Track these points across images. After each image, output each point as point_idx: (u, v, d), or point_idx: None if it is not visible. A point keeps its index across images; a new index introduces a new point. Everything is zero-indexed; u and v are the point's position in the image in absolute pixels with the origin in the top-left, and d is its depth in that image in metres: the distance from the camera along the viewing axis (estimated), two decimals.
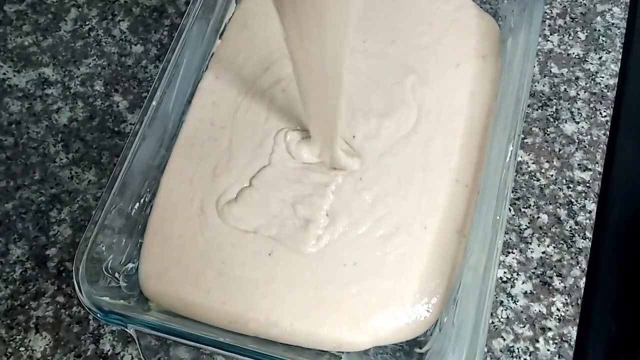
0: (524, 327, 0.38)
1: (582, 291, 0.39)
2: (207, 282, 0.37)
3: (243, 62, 0.44)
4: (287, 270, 0.37)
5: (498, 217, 0.34)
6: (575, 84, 0.45)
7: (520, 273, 0.40)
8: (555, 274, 0.40)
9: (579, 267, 0.40)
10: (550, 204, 0.41)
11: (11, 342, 0.40)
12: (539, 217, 0.41)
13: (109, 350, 0.40)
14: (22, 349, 0.40)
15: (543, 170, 0.43)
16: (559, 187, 0.42)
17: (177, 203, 0.39)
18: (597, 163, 0.43)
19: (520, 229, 0.41)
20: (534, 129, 0.44)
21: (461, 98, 0.41)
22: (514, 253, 0.40)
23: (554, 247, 0.40)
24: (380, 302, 0.35)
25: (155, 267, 0.37)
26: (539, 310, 0.39)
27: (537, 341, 0.38)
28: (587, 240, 0.40)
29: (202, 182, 0.40)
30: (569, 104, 0.45)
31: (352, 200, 0.38)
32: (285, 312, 0.36)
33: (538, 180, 0.42)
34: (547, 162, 0.43)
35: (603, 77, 0.45)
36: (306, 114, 0.38)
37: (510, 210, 0.41)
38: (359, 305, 0.35)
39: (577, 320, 0.38)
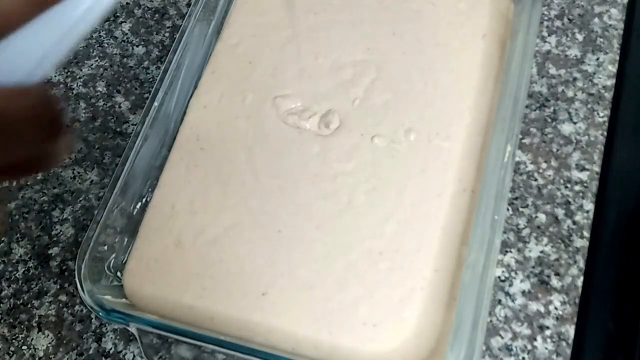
0: (522, 325, 0.39)
1: (580, 290, 0.39)
2: (188, 300, 0.35)
3: (243, 51, 0.42)
4: (289, 310, 0.35)
5: (496, 217, 0.35)
6: (573, 85, 0.46)
7: (518, 272, 0.40)
8: (553, 273, 0.40)
9: (577, 266, 0.40)
10: (548, 203, 0.42)
11: (14, 341, 0.40)
12: (536, 217, 0.41)
13: (111, 349, 0.40)
14: (24, 347, 0.40)
15: (541, 170, 0.43)
16: (556, 187, 0.42)
17: (158, 227, 0.37)
18: (594, 163, 0.43)
19: (518, 229, 0.41)
20: (531, 129, 0.44)
21: (476, 75, 0.41)
22: (512, 252, 0.41)
23: (552, 247, 0.41)
24: None
25: (137, 282, 0.37)
26: (537, 309, 0.39)
27: (535, 339, 0.38)
28: (585, 239, 0.41)
29: (181, 213, 0.38)
30: (566, 104, 0.45)
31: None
32: (288, 339, 0.34)
33: (536, 180, 0.43)
34: (544, 162, 0.43)
35: (600, 78, 0.46)
36: None
37: (508, 209, 0.41)
38: None
39: (575, 319, 0.38)
